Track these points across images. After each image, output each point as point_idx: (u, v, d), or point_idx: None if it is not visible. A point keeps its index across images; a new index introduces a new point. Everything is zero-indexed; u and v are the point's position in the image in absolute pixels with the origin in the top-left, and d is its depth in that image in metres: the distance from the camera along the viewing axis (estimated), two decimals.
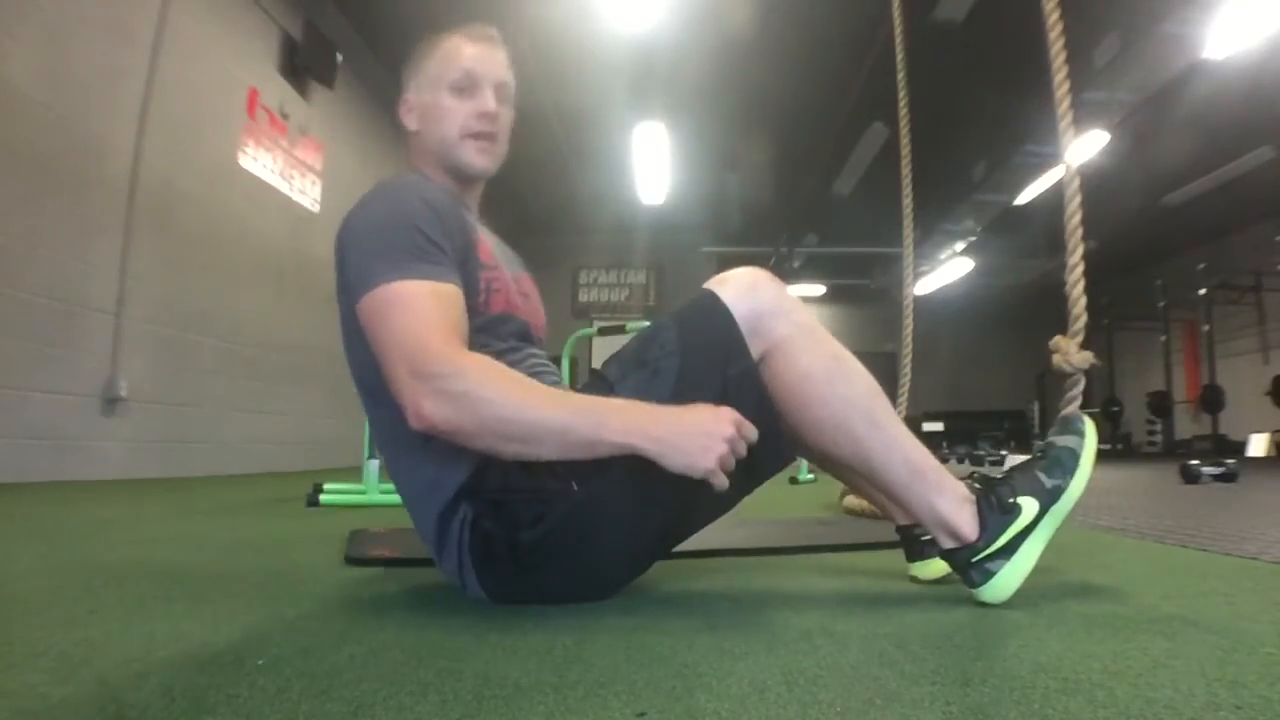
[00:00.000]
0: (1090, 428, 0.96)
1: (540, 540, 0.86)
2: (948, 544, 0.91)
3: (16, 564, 1.24)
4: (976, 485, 0.93)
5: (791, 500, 2.78)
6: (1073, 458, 0.93)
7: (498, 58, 1.05)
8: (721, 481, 0.79)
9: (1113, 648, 0.71)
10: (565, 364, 4.02)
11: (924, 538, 1.07)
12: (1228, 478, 3.61)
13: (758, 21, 5.56)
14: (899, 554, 1.38)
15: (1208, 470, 3.66)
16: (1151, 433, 10.56)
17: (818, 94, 6.69)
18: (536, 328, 1.07)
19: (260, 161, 4.74)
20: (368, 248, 0.88)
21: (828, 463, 1.07)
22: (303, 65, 5.06)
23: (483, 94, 1.02)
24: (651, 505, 0.90)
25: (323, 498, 2.48)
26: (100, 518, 2.01)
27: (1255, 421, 8.84)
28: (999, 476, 0.94)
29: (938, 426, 11.53)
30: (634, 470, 0.82)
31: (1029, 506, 0.90)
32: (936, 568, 1.06)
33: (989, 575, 0.89)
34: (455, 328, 0.85)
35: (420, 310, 0.83)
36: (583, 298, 10.90)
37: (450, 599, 0.95)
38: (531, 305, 1.07)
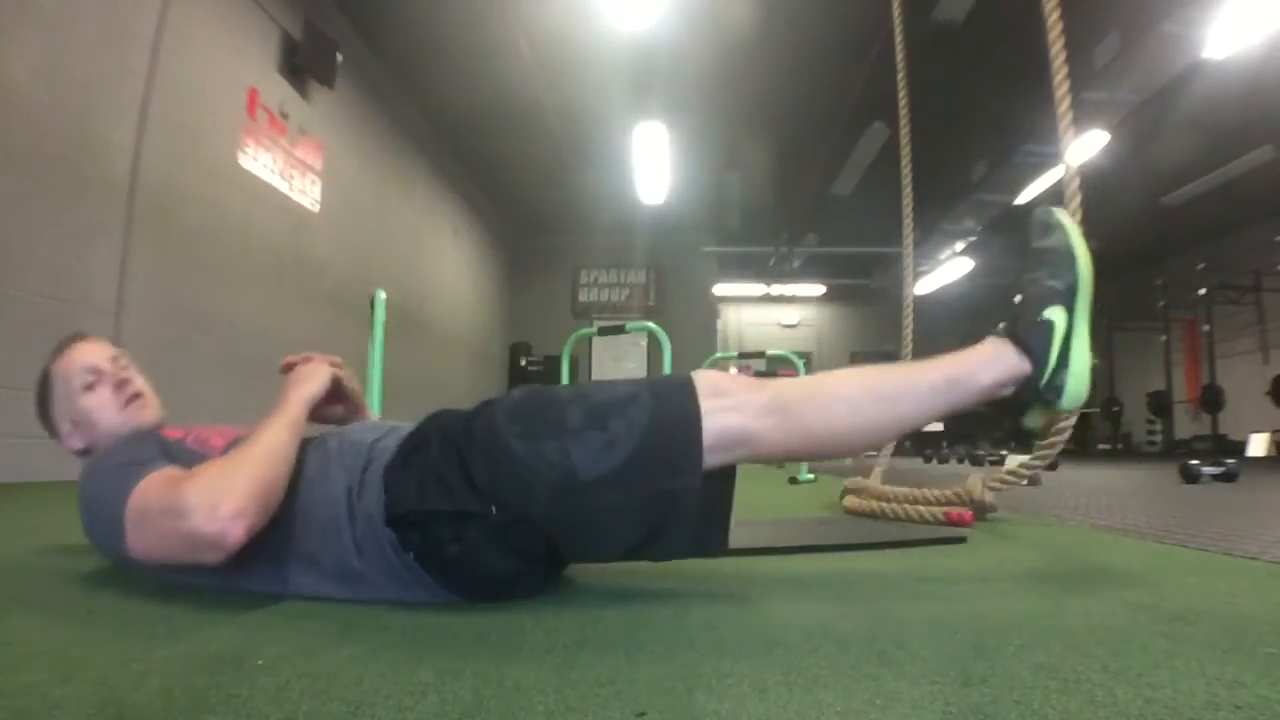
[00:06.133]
0: (1061, 214, 0.99)
1: (461, 555, 0.89)
2: (1010, 390, 0.96)
3: (16, 564, 1.24)
4: (1002, 325, 0.97)
5: (791, 500, 2.78)
6: (1065, 249, 0.97)
7: (95, 345, 1.19)
8: (328, 372, 1.11)
9: (1113, 648, 0.71)
10: (565, 364, 4.02)
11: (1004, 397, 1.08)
12: (1228, 478, 3.61)
13: (758, 21, 5.56)
14: (899, 554, 1.38)
15: (1208, 470, 3.66)
16: (1151, 433, 10.56)
17: (818, 94, 6.69)
18: None
19: (260, 161, 4.74)
20: (102, 508, 0.93)
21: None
22: (303, 65, 5.05)
23: (106, 374, 1.14)
24: (559, 543, 0.91)
25: None
26: None
27: (1255, 421, 8.83)
28: (1016, 306, 0.98)
29: (938, 426, 11.52)
30: (555, 492, 0.87)
31: (1058, 316, 0.94)
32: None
33: (1060, 389, 0.94)
34: (184, 478, 0.89)
35: (157, 485, 0.89)
36: (583, 298, 10.88)
37: (450, 599, 0.95)
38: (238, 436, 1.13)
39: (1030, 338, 0.94)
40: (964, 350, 0.97)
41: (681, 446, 0.90)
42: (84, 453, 1.16)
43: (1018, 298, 0.99)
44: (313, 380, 1.09)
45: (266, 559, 0.92)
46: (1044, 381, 0.93)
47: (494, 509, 0.87)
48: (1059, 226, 0.98)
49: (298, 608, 0.90)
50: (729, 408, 0.92)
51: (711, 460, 0.91)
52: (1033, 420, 1.03)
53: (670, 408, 0.92)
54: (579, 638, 0.75)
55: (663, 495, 0.88)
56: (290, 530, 0.93)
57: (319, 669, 0.64)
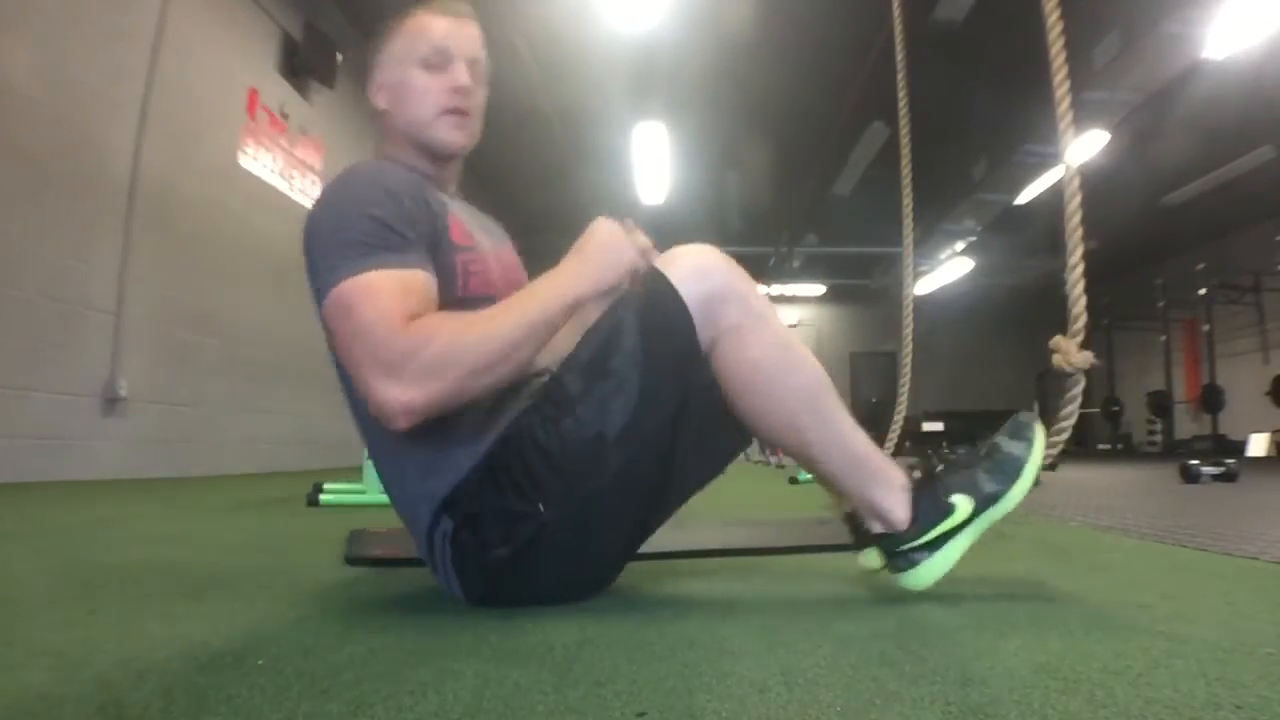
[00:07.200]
0: (1040, 436, 0.95)
1: (509, 558, 0.86)
2: (878, 529, 0.92)
3: (16, 564, 1.24)
4: (918, 475, 0.94)
5: (791, 500, 2.78)
6: (1015, 467, 0.92)
7: (470, 32, 1.01)
8: (647, 262, 0.91)
9: (1113, 648, 0.71)
10: None
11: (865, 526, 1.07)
12: (1228, 478, 3.61)
13: (758, 22, 5.56)
14: None
15: (1208, 470, 3.66)
16: (1151, 433, 10.56)
17: (818, 94, 6.69)
18: None
19: (260, 161, 4.74)
20: (327, 246, 0.84)
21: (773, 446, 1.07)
22: (303, 65, 5.06)
23: (455, 69, 0.98)
24: (617, 516, 0.90)
25: (322, 497, 2.48)
26: (100, 518, 2.01)
27: (1255, 421, 8.83)
28: (941, 467, 0.94)
29: (938, 426, 11.52)
30: (599, 487, 0.85)
31: (963, 507, 0.90)
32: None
33: (912, 564, 0.91)
34: (416, 313, 0.81)
35: (381, 301, 0.79)
36: None
37: (450, 599, 0.95)
38: (513, 279, 1.05)
39: (925, 506, 0.90)
40: (890, 458, 0.94)
41: (681, 340, 0.87)
42: (378, 116, 1.02)
43: (940, 465, 0.94)
44: (626, 263, 0.90)
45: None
46: (904, 546, 0.90)
47: (541, 506, 0.85)
48: (1030, 444, 0.93)
49: (298, 608, 0.90)
50: (708, 282, 0.88)
51: (704, 332, 0.87)
52: (870, 561, 0.97)
53: (654, 310, 0.87)
54: (579, 638, 0.75)
55: (689, 396, 0.89)
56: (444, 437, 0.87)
57: (319, 669, 0.64)
